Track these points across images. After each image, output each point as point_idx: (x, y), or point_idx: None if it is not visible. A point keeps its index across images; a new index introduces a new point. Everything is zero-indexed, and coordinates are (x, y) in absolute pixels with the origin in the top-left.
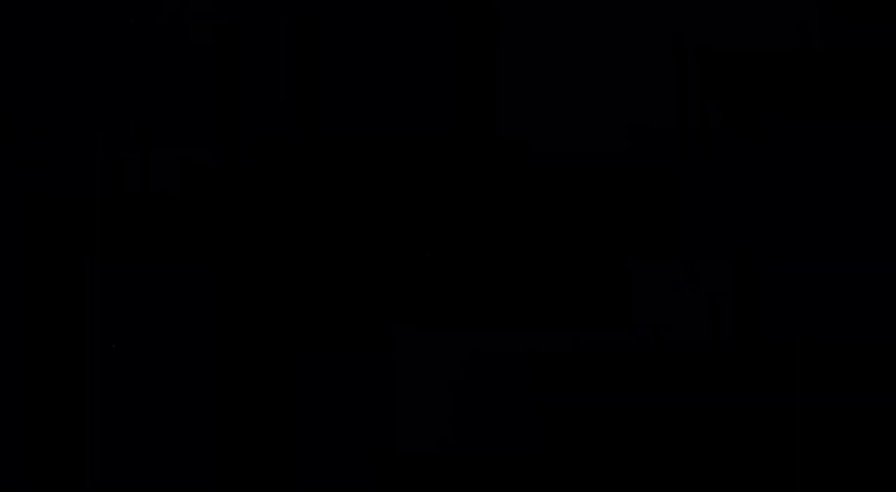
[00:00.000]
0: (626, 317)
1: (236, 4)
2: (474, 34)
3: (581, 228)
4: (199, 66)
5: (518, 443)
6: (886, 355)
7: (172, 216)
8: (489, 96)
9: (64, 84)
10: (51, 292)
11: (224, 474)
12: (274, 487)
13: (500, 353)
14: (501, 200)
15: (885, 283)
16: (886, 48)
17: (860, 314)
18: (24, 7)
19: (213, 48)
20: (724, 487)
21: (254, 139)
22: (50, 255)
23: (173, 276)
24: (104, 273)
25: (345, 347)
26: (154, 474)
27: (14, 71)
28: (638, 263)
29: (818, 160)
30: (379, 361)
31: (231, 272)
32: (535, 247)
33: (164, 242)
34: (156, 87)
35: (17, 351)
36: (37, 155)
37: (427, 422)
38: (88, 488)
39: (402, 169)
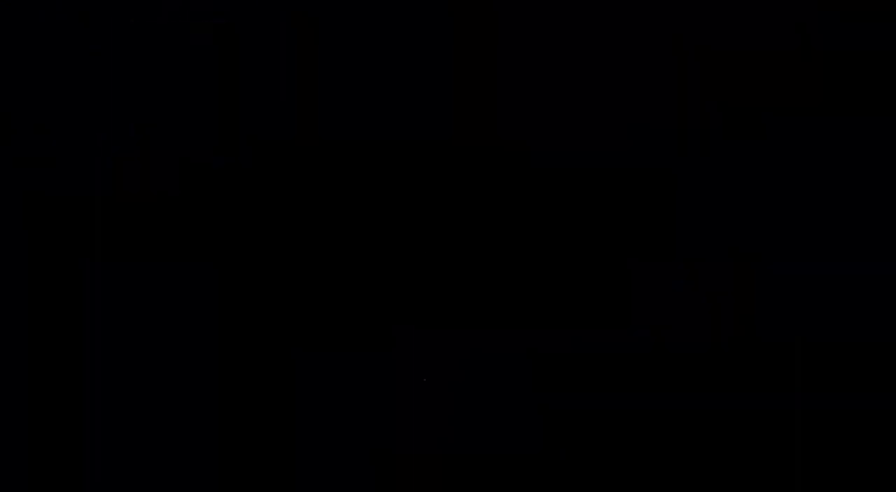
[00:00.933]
0: (626, 317)
1: (236, 4)
2: (474, 34)
3: (581, 228)
4: (199, 66)
5: (518, 443)
6: (886, 355)
7: (172, 216)
8: (489, 96)
9: (64, 84)
10: (51, 292)
11: (224, 474)
12: (274, 487)
13: (500, 353)
14: (501, 200)
15: (885, 283)
16: (886, 48)
17: (860, 314)
18: (24, 7)
19: (213, 48)
20: (724, 487)
21: (254, 139)
22: (50, 255)
23: (173, 276)
24: (104, 273)
25: (345, 347)
26: (154, 474)
27: (14, 71)
28: (638, 263)
29: (818, 160)
30: (379, 361)
31: (231, 272)
32: (535, 247)
33: (164, 242)
34: (156, 87)
35: (17, 351)
36: (37, 155)
37: (427, 422)
38: (88, 488)
39: (402, 169)
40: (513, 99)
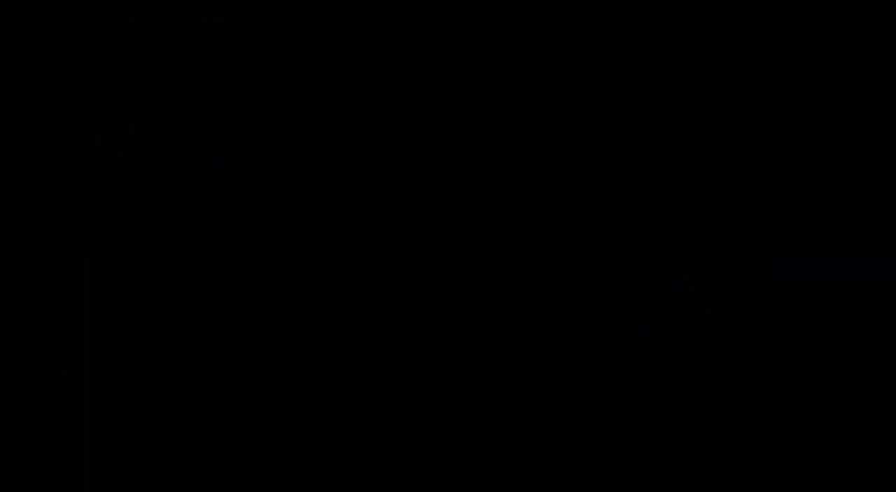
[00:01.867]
0: (626, 317)
1: (236, 4)
2: (474, 34)
3: (581, 228)
4: (199, 66)
5: (518, 443)
6: (886, 355)
7: (172, 216)
8: (489, 96)
9: (64, 84)
10: (51, 292)
11: (224, 474)
12: (274, 487)
13: (500, 353)
14: (501, 200)
15: (885, 283)
16: (886, 48)
17: (860, 314)
18: (24, 7)
19: (213, 48)
20: (724, 487)
21: (254, 139)
22: (50, 255)
23: (173, 276)
24: (104, 273)
25: (345, 347)
26: (154, 474)
27: (14, 71)
28: (638, 263)
29: (818, 160)
30: (379, 361)
31: (231, 272)
32: (535, 247)
33: (164, 242)
34: (156, 87)
35: (17, 351)
36: (37, 155)
37: (427, 422)
38: (88, 488)
39: (402, 169)
40: (513, 99)
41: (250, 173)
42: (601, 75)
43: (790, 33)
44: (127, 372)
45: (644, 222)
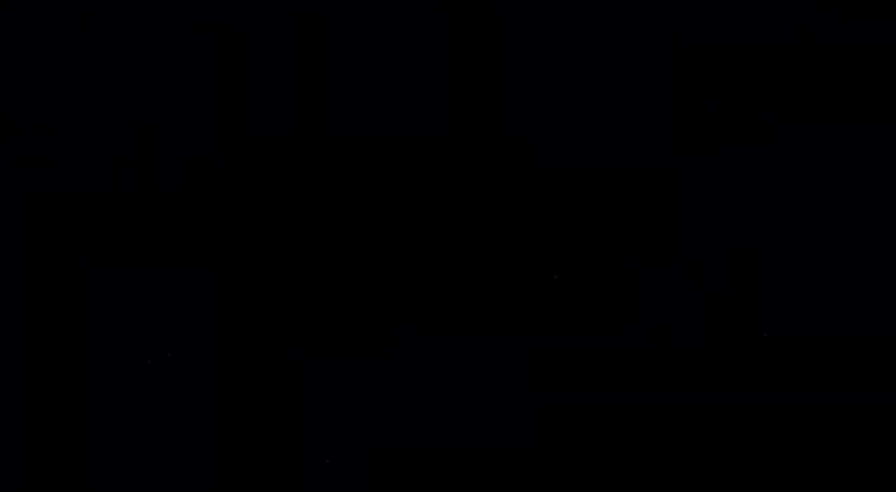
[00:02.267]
0: (626, 317)
1: (236, 4)
2: (474, 34)
3: (581, 228)
4: (199, 66)
5: (518, 443)
6: (886, 355)
7: (172, 216)
8: (489, 96)
9: (64, 84)
10: (51, 292)
11: (224, 474)
12: (274, 487)
13: (500, 353)
14: (501, 200)
15: (885, 283)
16: (886, 48)
17: (860, 314)
18: (24, 7)
19: (213, 48)
20: (725, 487)
21: (254, 139)
22: (50, 255)
23: (173, 276)
24: (104, 273)
25: (345, 347)
26: (154, 474)
27: (14, 71)
28: (638, 263)
29: (818, 160)
30: (379, 361)
31: (231, 272)
32: (535, 247)
33: (164, 242)
34: (156, 87)
35: (17, 351)
36: (37, 155)
37: (427, 422)
38: (88, 488)
39: (402, 169)
40: (513, 99)
41: (250, 173)
42: (601, 75)
43: (790, 33)
44: (127, 372)
45: (644, 222)
